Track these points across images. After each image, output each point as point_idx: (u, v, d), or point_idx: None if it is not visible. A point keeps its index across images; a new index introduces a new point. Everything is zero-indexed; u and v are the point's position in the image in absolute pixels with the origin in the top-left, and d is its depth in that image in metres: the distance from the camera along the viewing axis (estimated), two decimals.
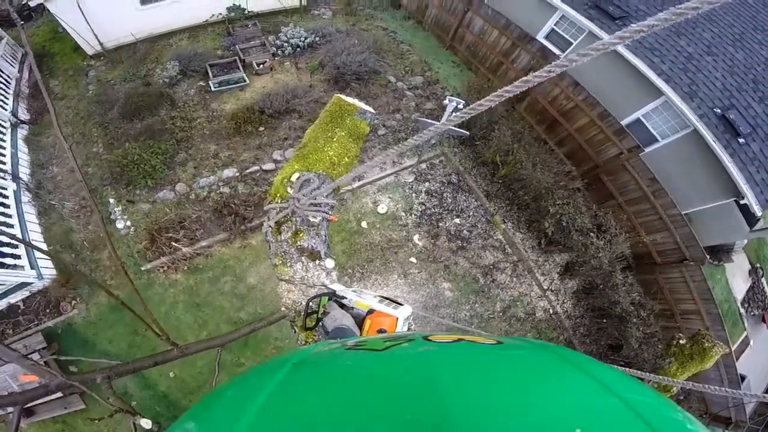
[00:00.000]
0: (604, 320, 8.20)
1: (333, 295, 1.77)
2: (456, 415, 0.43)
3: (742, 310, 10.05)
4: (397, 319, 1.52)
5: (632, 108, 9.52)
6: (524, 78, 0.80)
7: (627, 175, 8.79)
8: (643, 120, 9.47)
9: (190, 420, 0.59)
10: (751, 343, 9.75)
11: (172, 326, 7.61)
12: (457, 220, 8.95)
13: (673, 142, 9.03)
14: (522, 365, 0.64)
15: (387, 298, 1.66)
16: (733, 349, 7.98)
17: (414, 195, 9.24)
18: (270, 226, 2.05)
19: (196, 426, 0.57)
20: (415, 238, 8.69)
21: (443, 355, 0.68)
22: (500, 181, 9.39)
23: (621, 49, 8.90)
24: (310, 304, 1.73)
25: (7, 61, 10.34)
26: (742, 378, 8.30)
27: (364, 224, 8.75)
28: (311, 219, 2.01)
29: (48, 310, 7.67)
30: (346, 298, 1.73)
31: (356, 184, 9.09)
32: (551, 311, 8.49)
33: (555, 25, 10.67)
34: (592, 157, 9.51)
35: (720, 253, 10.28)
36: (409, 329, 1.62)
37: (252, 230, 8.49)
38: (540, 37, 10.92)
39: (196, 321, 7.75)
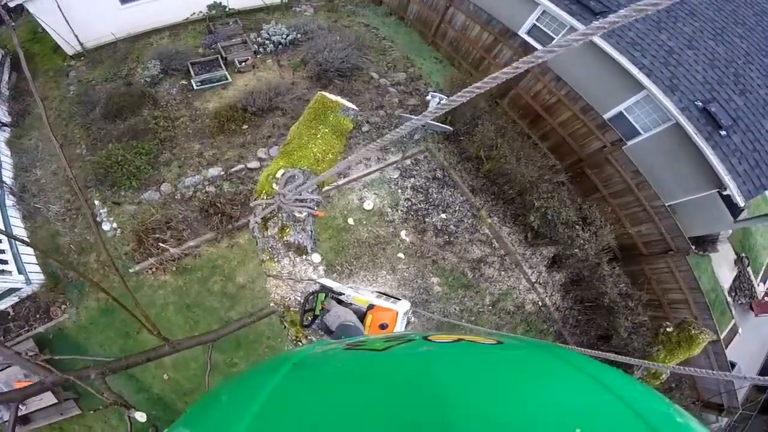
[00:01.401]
0: (593, 311, 8.30)
1: (330, 292, 1.77)
2: (456, 415, 0.43)
3: (729, 299, 10.24)
4: (398, 313, 1.54)
5: (614, 102, 9.63)
6: (493, 75, 0.80)
7: (611, 168, 8.87)
8: (626, 113, 9.60)
9: (190, 422, 0.58)
10: (740, 331, 9.96)
11: (164, 328, 7.46)
12: (444, 215, 9.00)
13: (655, 135, 9.14)
14: (522, 365, 0.64)
15: (384, 294, 1.66)
16: (722, 337, 8.14)
17: (400, 191, 9.28)
18: (256, 222, 2.10)
19: (197, 429, 0.57)
20: (402, 233, 8.72)
21: (443, 355, 0.68)
22: (485, 175, 9.46)
23: (602, 43, 9.03)
24: (308, 299, 1.72)
25: None
26: (732, 365, 8.45)
27: (350, 221, 8.77)
28: (297, 214, 2.05)
29: (38, 316, 7.63)
30: (343, 294, 1.73)
31: (341, 181, 9.11)
32: (540, 304, 8.56)
33: (537, 20, 10.75)
34: (576, 151, 9.60)
35: (705, 243, 10.45)
36: (408, 323, 1.63)
37: (239, 229, 8.46)
38: (522, 32, 10.99)
39: (187, 322, 7.76)
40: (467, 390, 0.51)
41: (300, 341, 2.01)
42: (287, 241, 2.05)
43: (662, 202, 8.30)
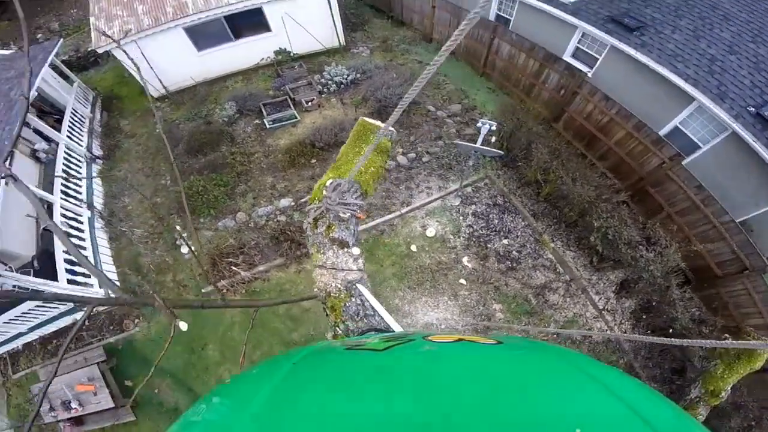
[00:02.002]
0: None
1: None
2: (457, 415, 0.44)
3: None
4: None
5: (668, 117, 9.60)
6: (451, 38, 0.83)
7: (673, 185, 8.73)
8: (681, 127, 9.52)
9: (189, 423, 0.59)
10: None
11: (228, 345, 8.09)
12: (506, 241, 9.13)
13: (715, 147, 8.97)
14: (522, 365, 0.64)
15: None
16: None
17: (461, 218, 9.54)
18: (309, 223, 2.40)
19: (197, 429, 0.58)
20: (464, 259, 8.91)
21: (444, 355, 0.69)
22: (545, 199, 9.59)
23: (644, 58, 9.16)
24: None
25: (80, 103, 11.59)
26: None
27: (413, 248, 9.06)
28: (341, 215, 2.32)
29: (111, 327, 8.31)
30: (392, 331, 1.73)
31: (404, 210, 9.49)
32: (608, 332, 8.37)
33: (578, 42, 11.04)
34: (636, 170, 9.56)
35: None
36: None
37: (307, 255, 8.83)
38: (566, 56, 11.32)
39: (250, 341, 8.03)
40: (467, 390, 0.51)
41: (338, 326, 2.18)
42: (332, 236, 2.33)
43: (731, 217, 7.98)
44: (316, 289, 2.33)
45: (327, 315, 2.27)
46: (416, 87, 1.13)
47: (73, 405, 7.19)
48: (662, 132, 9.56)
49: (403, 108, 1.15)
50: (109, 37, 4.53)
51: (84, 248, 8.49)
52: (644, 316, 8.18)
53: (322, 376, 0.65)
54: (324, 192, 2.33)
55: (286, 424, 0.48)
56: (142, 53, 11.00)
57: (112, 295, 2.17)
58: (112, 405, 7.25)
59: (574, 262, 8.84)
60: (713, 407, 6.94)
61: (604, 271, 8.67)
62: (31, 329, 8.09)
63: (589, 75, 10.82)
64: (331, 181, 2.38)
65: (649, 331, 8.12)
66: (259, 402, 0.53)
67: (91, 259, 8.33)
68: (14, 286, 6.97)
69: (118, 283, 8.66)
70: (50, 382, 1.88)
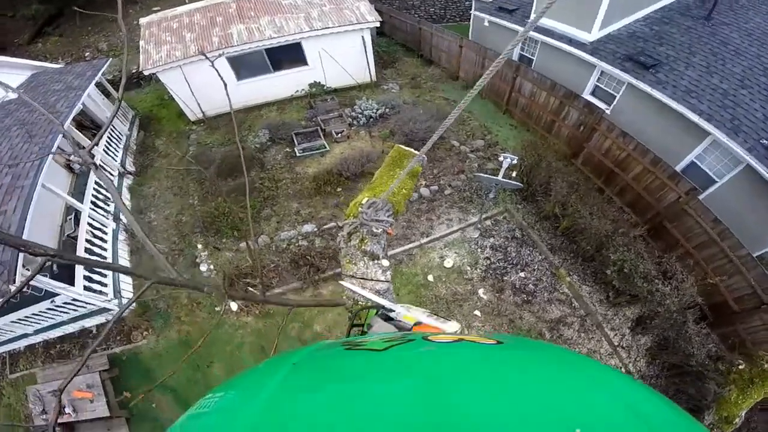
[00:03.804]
0: (681, 378, 7.83)
1: (381, 308, 1.81)
2: (456, 415, 0.45)
3: None
4: (443, 332, 1.50)
5: (684, 151, 10.06)
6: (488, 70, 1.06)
7: (690, 220, 8.91)
8: (697, 162, 9.97)
9: (189, 423, 0.60)
10: None
11: (235, 365, 8.28)
12: (522, 274, 9.53)
13: (730, 181, 9.32)
14: (522, 365, 0.64)
15: (436, 315, 1.67)
16: None
17: (479, 250, 10.01)
18: (343, 236, 2.66)
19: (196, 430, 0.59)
20: (480, 291, 9.28)
21: (443, 355, 0.70)
22: (563, 233, 10.01)
23: (658, 95, 9.71)
24: (357, 314, 1.87)
25: (119, 120, 12.72)
26: None
27: (430, 278, 9.49)
28: (374, 230, 2.54)
29: (119, 338, 8.49)
30: (394, 311, 1.75)
31: (424, 240, 10.03)
32: (623, 370, 8.41)
33: (597, 81, 11.82)
34: (653, 205, 9.88)
35: None
36: None
37: (324, 280, 9.32)
38: (586, 93, 12.09)
39: (257, 362, 8.12)
40: (467, 390, 0.52)
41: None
42: (364, 249, 2.56)
43: (747, 250, 8.07)
44: (344, 297, 2.57)
45: (349, 319, 2.38)
46: (449, 120, 1.32)
47: (68, 410, 7.22)
48: (678, 167, 10.02)
49: (436, 138, 1.33)
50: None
51: (105, 257, 8.91)
52: (660, 353, 8.28)
53: (321, 376, 0.66)
54: (360, 209, 2.57)
55: (286, 425, 0.49)
56: (185, 78, 11.88)
57: (171, 277, 2.26)
58: (107, 414, 7.28)
59: (590, 296, 9.15)
60: None
61: (620, 307, 8.93)
62: (38, 332, 8.33)
63: (608, 112, 11.47)
64: (367, 199, 2.63)
65: (664, 370, 8.18)
66: (258, 403, 0.54)
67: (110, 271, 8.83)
68: (29, 286, 7.26)
69: (132, 294, 8.94)
70: (70, 381, 1.88)
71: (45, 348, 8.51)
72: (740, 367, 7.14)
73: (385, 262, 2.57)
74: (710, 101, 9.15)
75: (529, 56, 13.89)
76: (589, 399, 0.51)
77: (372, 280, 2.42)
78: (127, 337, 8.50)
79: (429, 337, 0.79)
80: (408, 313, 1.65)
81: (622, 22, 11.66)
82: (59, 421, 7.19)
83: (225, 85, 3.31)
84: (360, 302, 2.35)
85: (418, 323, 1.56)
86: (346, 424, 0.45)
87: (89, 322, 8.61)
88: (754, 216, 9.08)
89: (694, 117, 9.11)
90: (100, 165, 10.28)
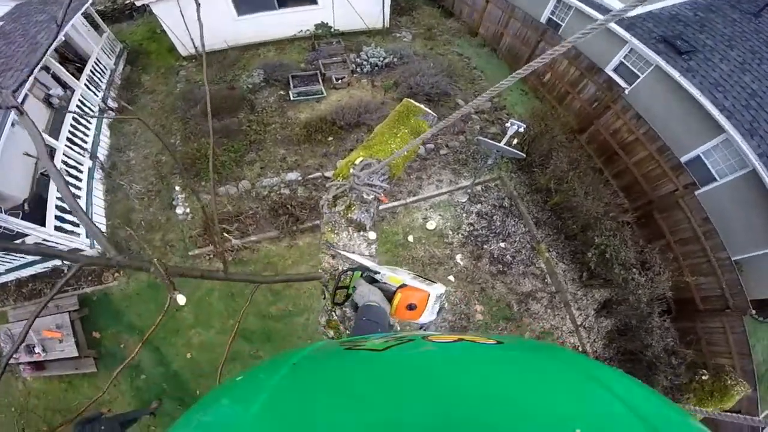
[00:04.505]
0: (633, 365, 8.60)
1: (365, 270, 1.88)
2: (456, 415, 0.47)
3: None
4: (429, 295, 1.58)
5: (693, 144, 10.35)
6: (531, 63, 1.04)
7: (680, 213, 9.40)
8: (703, 157, 10.26)
9: (188, 425, 0.62)
10: None
11: (204, 311, 8.75)
12: (503, 244, 9.99)
13: (730, 182, 9.72)
14: (522, 365, 0.67)
15: (421, 276, 1.72)
16: (761, 417, 8.20)
17: (464, 215, 10.43)
18: (327, 200, 2.50)
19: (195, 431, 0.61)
20: (458, 257, 9.80)
21: (443, 355, 0.73)
22: (551, 209, 10.39)
23: (685, 83, 9.89)
24: (342, 277, 1.87)
25: (105, 54, 12.88)
26: None
27: (410, 238, 9.99)
28: (365, 196, 2.43)
29: (90, 278, 8.93)
30: (378, 273, 1.82)
31: (410, 199, 10.40)
32: (580, 349, 9.08)
33: (624, 58, 11.79)
34: (647, 192, 10.33)
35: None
36: (441, 309, 1.68)
37: (302, 231, 9.78)
38: (609, 69, 12.04)
39: (227, 309, 8.78)
40: (467, 390, 0.54)
41: (334, 311, 2.31)
42: (350, 217, 2.42)
43: (728, 254, 8.64)
44: (320, 270, 2.42)
45: (324, 298, 2.36)
46: (480, 99, 1.31)
47: (37, 350, 7.73)
48: (683, 159, 10.22)
49: (461, 115, 1.31)
50: None
51: (79, 197, 9.08)
52: (618, 338, 8.94)
53: (321, 376, 0.69)
54: (352, 170, 2.40)
55: (286, 426, 0.51)
56: (180, 11, 12.37)
57: (106, 255, 2.12)
58: (75, 354, 7.77)
59: (564, 275, 9.65)
60: None
61: (591, 288, 9.45)
62: (9, 271, 8.72)
63: (626, 91, 11.45)
64: (361, 159, 2.46)
65: (619, 354, 8.89)
66: (257, 404, 0.56)
67: (84, 208, 8.76)
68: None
69: (105, 236, 9.40)
70: (32, 323, 2.02)
71: (17, 287, 8.94)
72: (704, 377, 7.73)
73: (372, 234, 2.45)
74: (735, 98, 9.32)
75: (559, 21, 13.73)
76: (590, 399, 0.55)
77: (354, 254, 2.31)
78: (98, 278, 8.89)
79: (429, 337, 0.83)
80: (393, 275, 1.73)
81: (666, 2, 11.57)
82: (29, 360, 7.77)
83: (201, 25, 3.00)
84: (338, 271, 2.29)
85: (403, 285, 1.65)
86: (346, 425, 0.48)
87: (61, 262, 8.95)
88: (742, 221, 9.57)
89: (714, 111, 9.29)
90: (80, 100, 10.51)
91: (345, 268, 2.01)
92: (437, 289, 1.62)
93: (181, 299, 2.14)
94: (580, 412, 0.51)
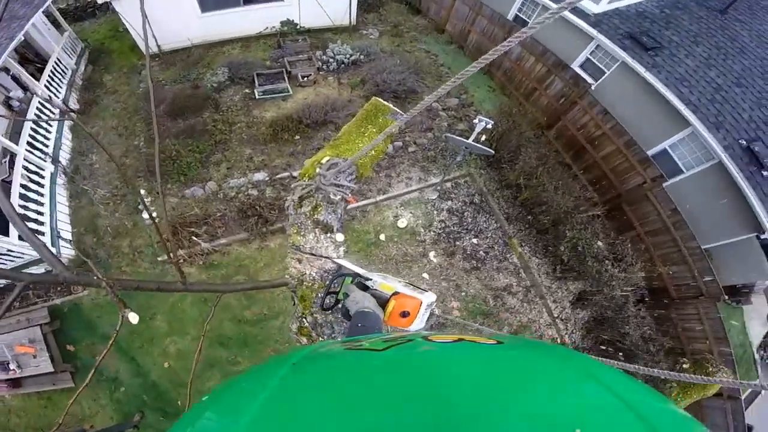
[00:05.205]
0: (612, 355, 8.65)
1: (357, 277, 1.90)
2: (456, 415, 0.47)
3: (757, 356, 10.38)
4: (421, 302, 1.61)
5: (659, 138, 10.55)
6: (491, 50, 1.05)
7: (649, 205, 9.64)
8: (670, 150, 10.48)
9: (188, 425, 0.61)
10: (763, 392, 9.85)
11: (177, 317, 8.56)
12: (475, 240, 10.00)
13: (697, 174, 9.95)
14: (522, 365, 0.68)
15: (411, 284, 1.75)
16: (743, 396, 8.48)
17: (435, 212, 10.40)
18: (293, 201, 2.43)
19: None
20: (431, 254, 9.75)
21: (444, 355, 0.74)
22: (522, 204, 10.48)
23: (651, 78, 10.06)
24: (333, 282, 1.89)
25: (66, 53, 12.39)
26: (749, 428, 8.59)
27: (382, 237, 9.90)
28: (332, 196, 2.37)
29: (59, 289, 8.60)
30: (371, 279, 1.83)
31: (380, 197, 10.32)
32: (559, 341, 9.16)
33: (590, 54, 11.96)
34: (616, 186, 10.53)
35: (739, 294, 10.81)
36: (431, 316, 1.72)
37: (272, 233, 9.61)
38: (575, 65, 12.22)
39: (201, 315, 8.59)
40: (467, 390, 0.55)
41: (305, 318, 2.22)
42: (317, 219, 2.34)
43: (698, 243, 8.90)
44: (287, 276, 2.35)
45: (294, 304, 2.31)
46: (442, 89, 1.33)
47: (12, 366, 7.46)
48: (650, 152, 10.45)
49: (425, 105, 1.34)
50: None
51: (41, 203, 8.81)
52: (596, 328, 9.05)
53: (321, 376, 0.69)
54: (318, 170, 2.35)
55: (285, 426, 0.51)
56: (142, 7, 11.91)
57: (54, 272, 2.01)
58: (51, 369, 7.57)
59: (538, 268, 9.72)
60: None
61: (565, 281, 9.56)
62: None
63: (593, 87, 11.69)
64: (328, 158, 2.41)
65: (596, 343, 8.98)
66: (257, 405, 0.55)
67: (47, 216, 8.76)
68: None
69: (70, 245, 9.05)
70: None
71: None
72: (684, 366, 7.90)
73: (340, 236, 2.39)
74: (701, 93, 9.55)
75: (525, 18, 13.80)
76: (591, 399, 0.55)
77: (322, 257, 2.26)
78: (67, 288, 8.55)
79: (429, 337, 0.84)
80: (385, 282, 1.75)
81: None
82: (5, 377, 7.46)
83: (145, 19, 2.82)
84: (305, 282, 2.28)
85: (396, 293, 1.68)
86: (346, 425, 0.48)
87: (28, 272, 8.18)
88: (709, 211, 9.79)
89: (680, 106, 9.50)
90: (40, 103, 9.99)
91: (336, 275, 2.01)
92: (428, 297, 1.66)
93: (134, 317, 2.03)
94: (579, 411, 0.51)
